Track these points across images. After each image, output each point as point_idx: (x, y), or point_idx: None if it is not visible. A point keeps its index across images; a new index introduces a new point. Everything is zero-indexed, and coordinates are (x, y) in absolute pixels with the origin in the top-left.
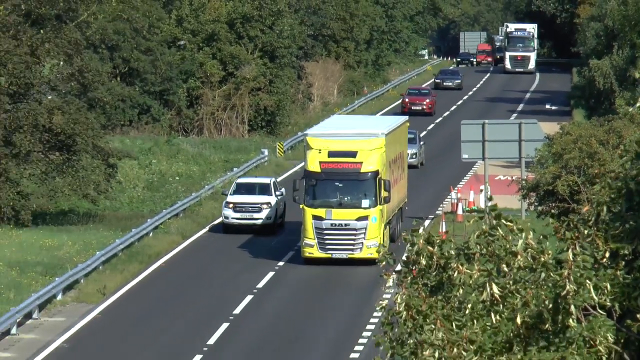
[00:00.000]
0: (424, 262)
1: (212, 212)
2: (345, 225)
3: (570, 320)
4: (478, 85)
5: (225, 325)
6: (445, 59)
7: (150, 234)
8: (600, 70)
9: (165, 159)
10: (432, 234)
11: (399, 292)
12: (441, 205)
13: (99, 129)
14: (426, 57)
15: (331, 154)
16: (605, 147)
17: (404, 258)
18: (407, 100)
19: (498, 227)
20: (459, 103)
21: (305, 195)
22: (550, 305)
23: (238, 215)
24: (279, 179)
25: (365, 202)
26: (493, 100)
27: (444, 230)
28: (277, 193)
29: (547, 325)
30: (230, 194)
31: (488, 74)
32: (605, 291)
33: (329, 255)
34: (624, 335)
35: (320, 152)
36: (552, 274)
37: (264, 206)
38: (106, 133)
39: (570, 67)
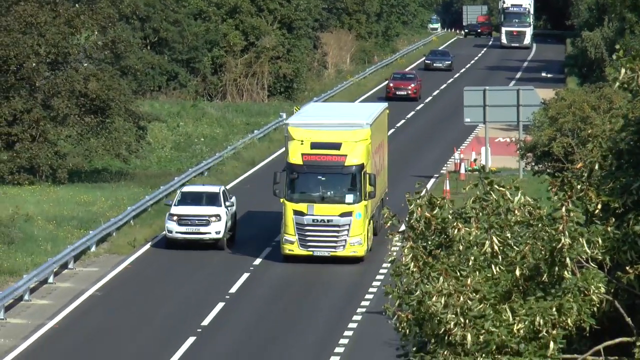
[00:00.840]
0: (422, 226)
1: (234, 171)
2: (328, 221)
3: (566, 272)
4: (469, 65)
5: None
6: (450, 30)
7: (178, 191)
8: (592, 42)
9: (191, 122)
10: (434, 196)
11: (405, 246)
12: (445, 166)
13: (130, 94)
14: (438, 30)
15: (314, 145)
16: (597, 111)
17: (406, 219)
18: (391, 85)
19: (491, 192)
20: (442, 87)
21: (285, 189)
22: (547, 258)
23: (183, 229)
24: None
25: (349, 197)
26: (492, 68)
27: (447, 188)
28: (228, 203)
29: (544, 277)
30: (175, 205)
31: (484, 49)
32: (597, 245)
33: (310, 253)
34: (615, 286)
35: (302, 144)
36: (547, 229)
37: (213, 219)
38: (137, 98)
39: (565, 39)
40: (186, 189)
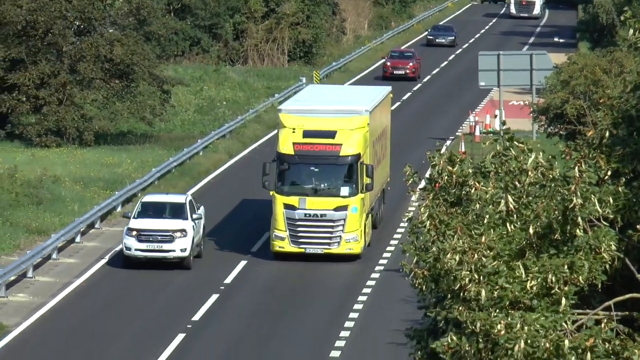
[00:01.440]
0: (445, 179)
1: (255, 133)
2: (321, 215)
3: (578, 231)
4: (479, 34)
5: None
6: None
7: (200, 153)
8: (603, 7)
9: (214, 86)
10: (454, 153)
11: (422, 205)
12: (460, 128)
13: (154, 59)
14: None
15: (306, 134)
16: (608, 75)
17: (427, 176)
18: (388, 64)
19: (511, 148)
20: (442, 65)
21: (276, 181)
22: (559, 217)
23: (143, 245)
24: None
25: (344, 190)
26: (506, 34)
27: (463, 149)
28: (195, 215)
29: (556, 235)
30: (134, 217)
31: (494, 19)
32: (609, 204)
33: (302, 250)
34: (625, 244)
35: (294, 132)
36: (560, 189)
37: (177, 234)
38: (161, 63)
39: (576, 4)
40: (147, 198)
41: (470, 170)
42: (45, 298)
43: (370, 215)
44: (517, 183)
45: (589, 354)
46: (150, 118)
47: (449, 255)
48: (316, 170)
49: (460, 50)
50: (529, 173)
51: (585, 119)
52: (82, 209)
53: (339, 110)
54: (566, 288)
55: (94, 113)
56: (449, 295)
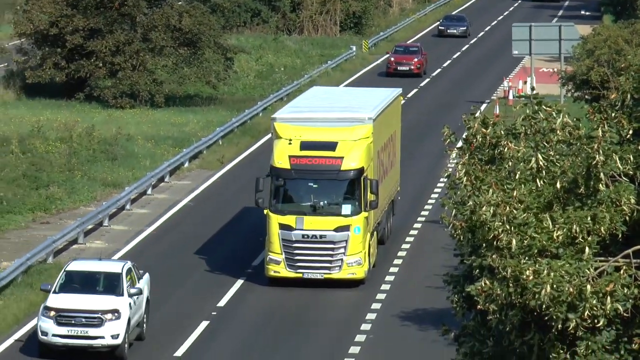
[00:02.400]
0: (479, 140)
1: None
2: (321, 237)
3: (600, 185)
4: (495, 22)
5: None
6: None
7: (260, 114)
8: None
9: (272, 54)
10: (487, 116)
11: (459, 162)
12: (495, 93)
13: (219, 29)
14: None
15: (304, 145)
16: (629, 44)
17: (463, 137)
18: (392, 59)
19: (539, 112)
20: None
21: (270, 199)
22: (584, 173)
23: (63, 330)
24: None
25: (346, 208)
26: (537, 7)
27: (497, 112)
28: (133, 290)
29: (581, 189)
30: (54, 292)
31: (517, 3)
32: (629, 162)
33: (300, 275)
34: None
35: (290, 143)
36: (585, 147)
37: (108, 316)
38: (225, 32)
39: None
40: (73, 265)
41: (503, 132)
42: (119, 245)
43: (375, 232)
44: (545, 143)
45: (609, 298)
46: (215, 82)
47: (484, 208)
48: (315, 186)
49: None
50: (557, 132)
51: (608, 85)
52: (153, 164)
53: (340, 119)
54: (589, 238)
55: (164, 78)
56: (483, 245)
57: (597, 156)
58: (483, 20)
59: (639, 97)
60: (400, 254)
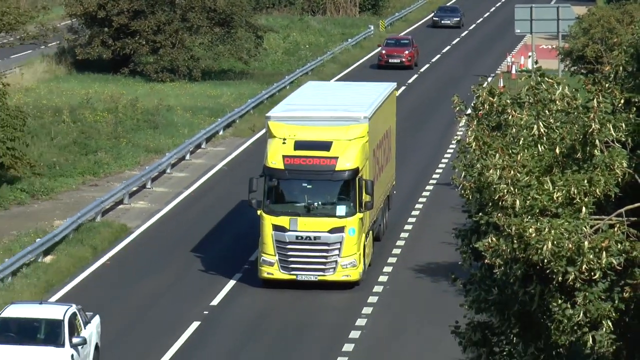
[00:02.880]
0: (487, 108)
1: (332, 72)
2: (315, 238)
3: (596, 151)
4: (487, 14)
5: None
6: None
7: (287, 87)
8: None
9: (298, 33)
10: (494, 87)
11: (469, 128)
12: (499, 68)
13: (250, 10)
14: None
15: (298, 145)
16: (621, 24)
17: (472, 105)
18: (384, 52)
19: (542, 83)
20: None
21: (264, 199)
22: (581, 139)
23: None
24: None
25: (340, 209)
26: None
27: (501, 85)
28: (77, 339)
29: (578, 154)
30: None
31: None
32: (621, 129)
33: (294, 277)
34: (635, 162)
35: (284, 143)
36: (581, 116)
37: None
38: (255, 13)
39: None
40: (10, 311)
41: (508, 101)
42: (160, 205)
43: (371, 232)
44: (546, 111)
45: (604, 252)
46: (246, 58)
47: (490, 171)
48: (309, 187)
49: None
50: (557, 102)
51: (602, 60)
52: (190, 132)
53: (335, 118)
54: (586, 199)
55: (200, 54)
56: (490, 204)
57: (592, 124)
58: (480, 9)
59: (630, 70)
60: (414, 213)
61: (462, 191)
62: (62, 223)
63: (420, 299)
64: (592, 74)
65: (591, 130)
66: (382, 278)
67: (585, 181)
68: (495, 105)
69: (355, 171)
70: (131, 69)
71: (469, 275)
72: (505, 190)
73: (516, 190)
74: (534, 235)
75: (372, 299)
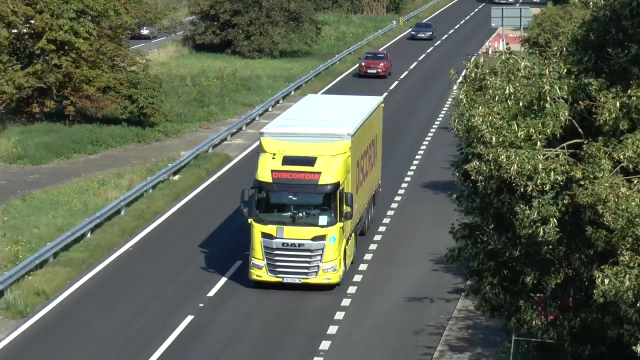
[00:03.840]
0: (473, 75)
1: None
2: (299, 245)
3: (547, 104)
4: (457, 26)
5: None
6: None
7: (337, 63)
8: None
9: (344, 25)
10: (477, 62)
11: (461, 90)
12: (480, 50)
13: (312, 10)
14: None
15: (286, 160)
16: (563, 20)
17: (463, 74)
18: (363, 64)
19: (510, 58)
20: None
21: (254, 209)
22: (537, 97)
23: None
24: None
25: (322, 219)
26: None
27: (482, 61)
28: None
29: (535, 107)
30: None
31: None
32: (564, 90)
33: (280, 279)
34: (573, 112)
35: (274, 158)
36: (538, 80)
37: None
38: (315, 12)
39: None
40: None
41: (487, 71)
42: (252, 141)
43: (353, 234)
44: (513, 77)
45: (552, 172)
46: (309, 43)
47: (475, 118)
48: (294, 198)
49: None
50: (521, 71)
51: (550, 44)
52: (272, 92)
53: (320, 134)
54: (540, 136)
55: (278, 40)
56: (475, 140)
57: (545, 86)
58: (448, 25)
59: (570, 50)
60: (422, 147)
61: (456, 132)
62: (186, 153)
63: (425, 205)
64: (544, 53)
65: (544, 90)
66: (400, 193)
67: (540, 124)
68: (478, 74)
69: (336, 185)
70: (232, 50)
71: (460, 190)
72: (485, 131)
73: (493, 130)
74: (504, 160)
75: (410, 172)
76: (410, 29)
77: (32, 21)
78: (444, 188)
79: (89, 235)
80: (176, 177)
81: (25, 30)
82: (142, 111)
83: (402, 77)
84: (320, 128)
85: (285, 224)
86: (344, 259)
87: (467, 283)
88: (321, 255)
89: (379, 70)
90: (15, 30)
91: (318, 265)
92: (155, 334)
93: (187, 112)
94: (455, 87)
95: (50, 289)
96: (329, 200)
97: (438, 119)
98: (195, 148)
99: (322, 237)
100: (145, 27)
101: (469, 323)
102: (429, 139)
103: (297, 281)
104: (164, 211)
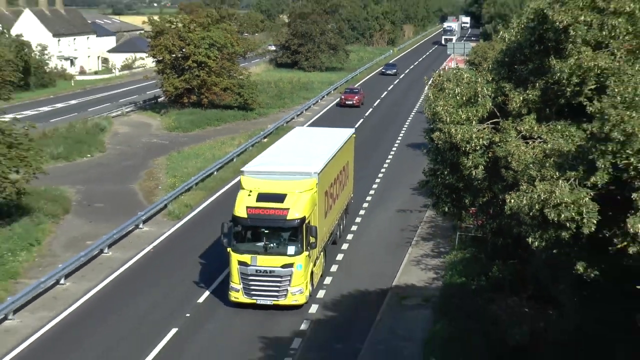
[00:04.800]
0: (436, 82)
1: (377, 66)
2: (270, 272)
3: (479, 99)
4: (418, 61)
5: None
6: None
7: (358, 74)
8: (489, 15)
9: (362, 52)
10: (439, 74)
11: (430, 90)
12: (438, 69)
13: (344, 43)
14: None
15: (259, 197)
16: (489, 49)
17: (431, 81)
18: (342, 97)
19: (458, 72)
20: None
21: (232, 240)
22: (473, 94)
23: None
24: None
25: (290, 249)
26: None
27: (442, 74)
28: None
29: (472, 100)
30: None
31: (433, 48)
32: (489, 90)
33: (254, 301)
34: (494, 103)
35: (249, 195)
36: (474, 85)
37: None
38: (346, 44)
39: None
40: None
41: (445, 79)
42: (306, 120)
43: (322, 253)
44: (459, 83)
45: (481, 139)
46: (342, 62)
47: (438, 107)
48: (266, 231)
49: (405, 73)
50: (464, 80)
51: (481, 64)
52: (320, 91)
53: (291, 172)
54: (474, 118)
55: (324, 60)
56: (437, 120)
57: (478, 88)
58: (407, 64)
59: (495, 67)
60: (405, 125)
61: (426, 115)
62: (271, 126)
63: (404, 157)
64: (478, 69)
65: (477, 91)
66: (388, 159)
67: (475, 110)
68: (439, 81)
69: (302, 219)
70: (298, 67)
71: (429, 148)
72: (443, 114)
73: (447, 114)
74: (454, 132)
75: (396, 136)
76: (381, 68)
77: (183, 50)
78: (419, 147)
79: (215, 172)
80: (264, 140)
81: (179, 55)
82: (246, 102)
83: (375, 104)
84: (292, 166)
85: (258, 253)
86: (311, 280)
87: (431, 201)
88: (289, 280)
89: (354, 102)
90: (174, 55)
91: (287, 289)
92: None
93: (271, 102)
94: (426, 89)
95: (194, 203)
96: (296, 233)
97: (417, 107)
98: (276, 123)
99: (290, 265)
100: (248, 53)
101: (432, 224)
102: (409, 120)
103: (269, 302)
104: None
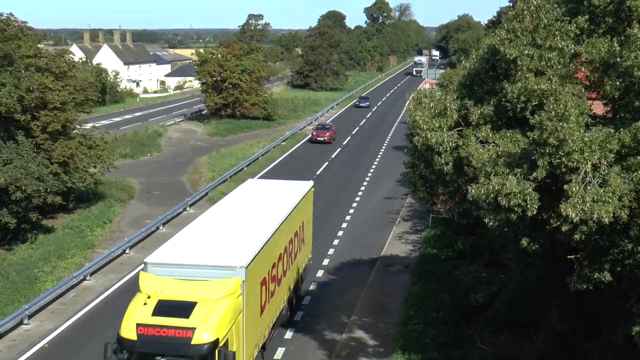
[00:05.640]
0: (415, 97)
1: (366, 89)
2: None
3: (448, 112)
4: (388, 94)
5: None
6: None
7: (354, 93)
8: (457, 54)
9: (358, 77)
10: (418, 92)
11: (411, 103)
12: (414, 91)
13: (344, 70)
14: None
15: (158, 309)
16: (455, 75)
17: (411, 96)
18: (314, 133)
19: (431, 91)
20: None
21: None
22: (444, 108)
23: None
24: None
25: None
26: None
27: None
28: None
29: (442, 113)
30: None
31: (405, 79)
32: (456, 105)
33: None
34: (459, 114)
35: (145, 304)
36: (445, 98)
37: None
38: (346, 70)
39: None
40: None
41: (421, 96)
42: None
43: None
44: (432, 100)
45: (449, 142)
46: (341, 84)
47: (417, 117)
48: None
49: (376, 107)
50: (436, 97)
51: (449, 85)
52: (325, 105)
53: (208, 266)
54: (445, 126)
55: (329, 82)
56: (416, 127)
57: (447, 104)
58: (379, 97)
59: (459, 88)
60: (394, 126)
61: (408, 122)
62: (288, 132)
63: (388, 157)
64: (446, 89)
65: (447, 105)
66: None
67: (445, 120)
68: (417, 96)
69: (215, 343)
70: (309, 87)
71: (409, 148)
72: (420, 122)
73: (423, 123)
74: (429, 136)
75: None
76: (355, 100)
77: (222, 74)
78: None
79: (244, 168)
80: (284, 143)
81: (219, 78)
82: (269, 114)
83: (353, 132)
84: (211, 256)
85: None
86: None
87: (410, 190)
88: None
89: (326, 138)
90: (214, 78)
91: None
92: None
93: (288, 114)
94: (408, 102)
95: (228, 191)
96: None
97: (401, 118)
98: (292, 130)
99: None
100: (270, 77)
101: (410, 208)
102: (395, 125)
103: None
104: (277, 158)
